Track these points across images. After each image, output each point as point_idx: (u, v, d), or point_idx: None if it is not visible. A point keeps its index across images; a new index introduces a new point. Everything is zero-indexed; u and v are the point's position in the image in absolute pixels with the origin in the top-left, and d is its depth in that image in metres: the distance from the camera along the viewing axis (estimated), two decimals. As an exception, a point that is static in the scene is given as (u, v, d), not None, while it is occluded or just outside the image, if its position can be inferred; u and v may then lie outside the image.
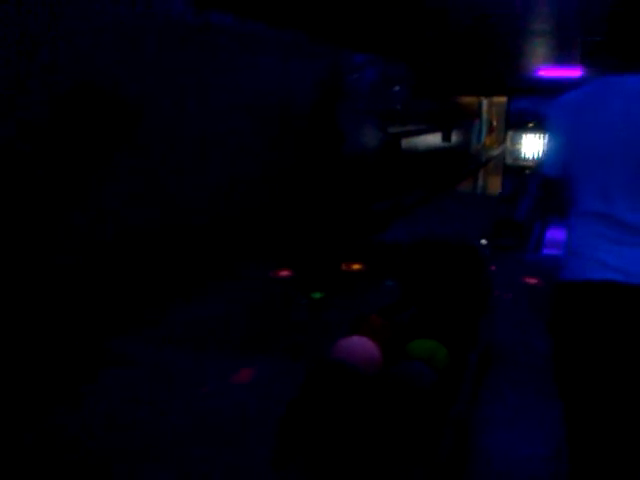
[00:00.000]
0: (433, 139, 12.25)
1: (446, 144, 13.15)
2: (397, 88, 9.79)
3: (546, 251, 6.28)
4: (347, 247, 5.79)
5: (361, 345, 2.30)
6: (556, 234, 7.56)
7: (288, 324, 3.88)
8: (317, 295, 4.35)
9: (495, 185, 15.41)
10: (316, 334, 3.61)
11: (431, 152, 12.07)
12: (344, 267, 5.29)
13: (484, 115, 18.22)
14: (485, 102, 17.89)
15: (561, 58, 12.80)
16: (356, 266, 5.36)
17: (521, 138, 18.58)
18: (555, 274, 1.89)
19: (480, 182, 14.93)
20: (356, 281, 4.93)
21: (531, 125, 18.04)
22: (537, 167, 1.94)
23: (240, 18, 5.49)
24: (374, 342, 2.32)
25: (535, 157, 17.26)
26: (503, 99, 18.04)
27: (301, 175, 6.51)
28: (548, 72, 14.91)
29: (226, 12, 5.22)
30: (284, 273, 5.12)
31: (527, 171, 15.27)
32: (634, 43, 1.86)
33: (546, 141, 1.99)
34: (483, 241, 3.51)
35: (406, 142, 10.40)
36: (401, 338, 2.58)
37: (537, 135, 18.31)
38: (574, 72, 13.74)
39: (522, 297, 4.80)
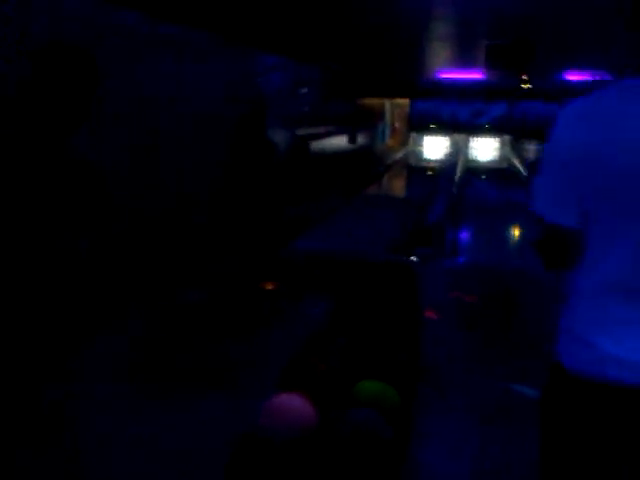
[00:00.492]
0: (340, 142, 12.09)
1: (352, 146, 13.03)
2: (305, 90, 9.55)
3: (462, 258, 6.17)
4: (260, 262, 5.42)
5: (292, 407, 1.97)
6: (466, 236, 7.55)
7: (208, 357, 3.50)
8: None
9: (399, 187, 15.48)
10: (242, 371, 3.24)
11: (338, 155, 11.91)
12: (259, 286, 4.89)
13: (387, 117, 18.30)
14: (388, 104, 17.97)
15: (462, 61, 12.99)
16: (269, 285, 4.97)
17: (423, 140, 18.83)
18: (552, 353, 1.44)
19: (385, 184, 14.93)
20: (274, 303, 4.54)
21: (433, 126, 18.29)
22: (533, 206, 1.37)
23: (151, 18, 5.04)
24: (305, 399, 2.01)
25: (437, 158, 17.53)
26: (405, 101, 18.19)
27: (229, 186, 6.14)
28: (449, 74, 15.12)
29: (134, 11, 4.76)
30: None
31: (430, 172, 15.43)
32: None
33: (544, 165, 1.39)
34: (413, 258, 3.28)
35: (314, 145, 10.17)
36: (337, 379, 2.28)
37: (439, 136, 18.61)
38: (474, 74, 13.99)
39: (447, 312, 4.62)
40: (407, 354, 2.55)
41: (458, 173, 13.07)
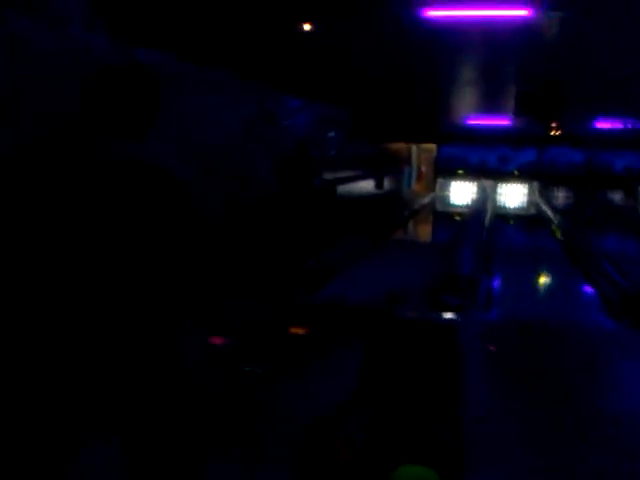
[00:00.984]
0: (366, 186, 11.98)
1: (379, 191, 12.92)
2: (332, 134, 9.48)
3: (495, 311, 5.84)
4: (289, 307, 5.24)
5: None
6: (498, 284, 7.31)
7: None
8: (258, 369, 3.75)
9: (425, 233, 15.28)
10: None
11: (365, 199, 11.79)
12: (288, 332, 4.68)
13: (414, 162, 18.23)
14: (415, 148, 17.91)
15: (490, 106, 12.93)
16: (300, 330, 4.76)
17: (450, 185, 18.67)
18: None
19: (411, 230, 14.75)
20: (303, 350, 4.32)
21: (460, 172, 18.15)
22: None
23: (172, 56, 4.99)
24: None
25: (465, 203, 17.34)
26: (432, 146, 18.13)
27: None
28: (476, 120, 15.06)
29: (154, 49, 4.71)
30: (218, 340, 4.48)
31: (457, 218, 15.23)
32: None
33: None
34: (453, 315, 3.05)
35: (340, 189, 10.06)
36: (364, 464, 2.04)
37: (466, 182, 18.45)
38: (502, 121, 13.89)
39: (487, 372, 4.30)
40: (448, 429, 2.31)
41: (487, 219, 12.86)
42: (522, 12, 5.90)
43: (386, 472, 1.97)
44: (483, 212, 13.87)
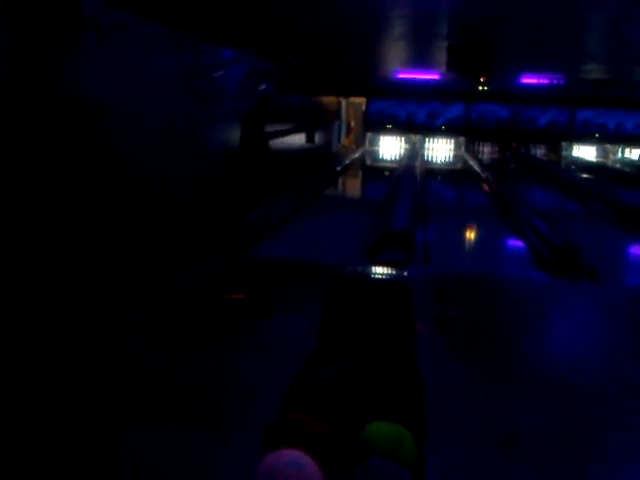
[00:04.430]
0: (298, 140, 11.83)
1: (310, 145, 12.79)
2: (264, 86, 9.24)
3: (434, 265, 5.86)
4: (225, 270, 5.07)
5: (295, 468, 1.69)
6: (432, 239, 7.38)
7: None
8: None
9: (355, 188, 15.30)
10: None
11: (296, 154, 11.64)
12: (225, 297, 4.48)
13: (343, 116, 18.12)
14: (344, 103, 17.78)
15: (421, 60, 12.89)
16: (238, 296, 4.54)
17: (379, 140, 18.71)
18: None
19: (341, 185, 14.74)
20: (244, 317, 4.14)
21: (389, 127, 18.18)
22: None
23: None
24: (307, 457, 1.73)
25: (394, 158, 17.44)
26: (361, 100, 18.03)
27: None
28: (407, 74, 15.02)
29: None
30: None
31: (387, 172, 15.30)
32: None
33: None
34: (405, 272, 3.02)
35: (272, 143, 9.87)
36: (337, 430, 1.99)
37: (395, 137, 18.52)
38: (433, 75, 13.91)
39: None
40: (410, 384, 2.29)
41: (418, 174, 12.96)
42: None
43: (355, 430, 1.94)
44: (414, 168, 13.97)
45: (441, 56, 10.34)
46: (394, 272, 2.95)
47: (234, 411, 2.40)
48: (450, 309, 4.07)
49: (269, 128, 9.66)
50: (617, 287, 5.43)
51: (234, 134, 8.17)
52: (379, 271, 2.92)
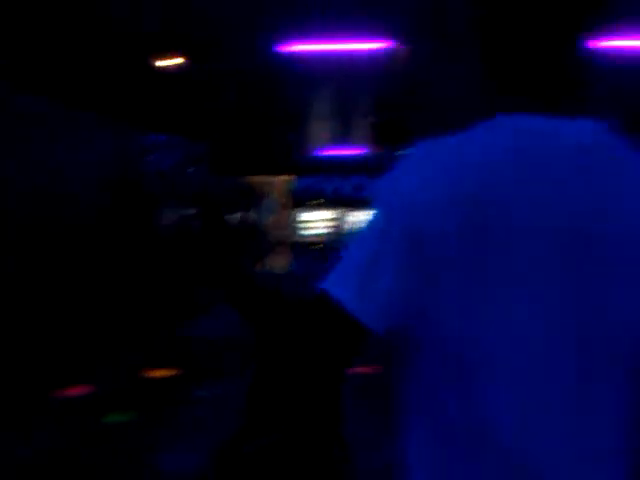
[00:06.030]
0: (232, 219, 11.94)
1: (244, 224, 12.92)
2: (192, 169, 9.36)
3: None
4: (152, 347, 4.98)
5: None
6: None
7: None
8: (117, 417, 3.49)
9: (283, 264, 15.41)
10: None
11: (230, 232, 11.72)
12: (149, 374, 4.38)
13: (272, 194, 18.41)
14: (273, 180, 18.11)
15: (344, 137, 13.37)
16: (164, 372, 4.46)
17: (307, 216, 19.02)
18: None
19: (268, 262, 14.84)
20: (171, 394, 4.05)
21: (315, 203, 18.53)
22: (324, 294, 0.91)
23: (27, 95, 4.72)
24: None
25: (321, 234, 17.73)
26: (288, 178, 18.44)
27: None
28: (331, 151, 15.51)
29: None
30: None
31: (317, 247, 15.52)
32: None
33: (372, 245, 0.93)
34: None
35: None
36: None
37: (322, 213, 18.87)
38: (357, 150, 14.42)
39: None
40: (339, 449, 2.29)
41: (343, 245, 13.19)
42: (376, 45, 6.16)
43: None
44: (339, 240, 14.26)
45: (365, 131, 10.79)
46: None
47: None
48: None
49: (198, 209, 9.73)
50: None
51: (167, 217, 8.19)
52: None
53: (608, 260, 0.83)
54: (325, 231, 17.91)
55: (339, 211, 18.71)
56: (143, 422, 3.40)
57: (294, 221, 19.27)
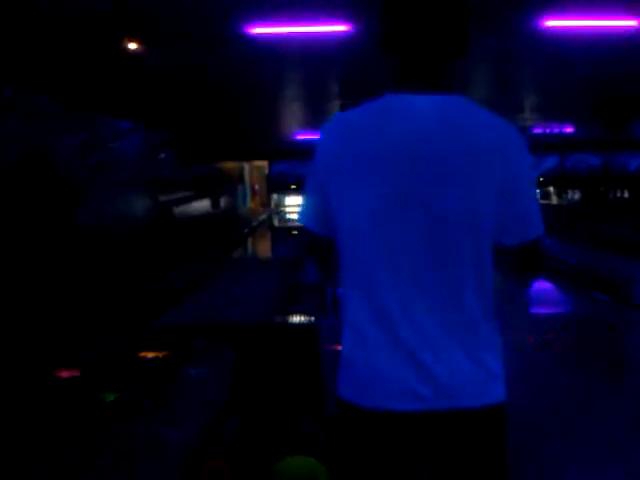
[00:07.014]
0: (202, 206, 11.87)
1: (215, 210, 12.85)
2: (163, 155, 9.28)
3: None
4: (136, 333, 5.00)
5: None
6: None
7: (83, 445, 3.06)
8: (111, 396, 3.54)
9: (264, 249, 15.40)
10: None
11: (202, 219, 11.67)
12: (139, 356, 4.47)
13: (247, 179, 18.36)
14: (247, 167, 18.05)
15: (317, 120, 13.31)
16: (152, 354, 4.57)
17: (285, 200, 19.00)
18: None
19: (250, 247, 14.84)
20: (158, 373, 4.15)
21: (293, 187, 18.53)
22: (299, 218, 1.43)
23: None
24: None
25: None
26: (264, 163, 18.36)
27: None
28: (305, 135, 15.45)
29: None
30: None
31: (295, 232, 15.53)
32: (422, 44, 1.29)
33: (309, 179, 1.41)
34: (312, 318, 3.11)
35: (177, 210, 9.87)
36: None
37: (300, 196, 18.88)
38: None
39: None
40: (316, 424, 2.33)
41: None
42: (342, 27, 6.14)
43: (264, 469, 1.96)
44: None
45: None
46: (301, 319, 3.03)
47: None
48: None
49: (173, 196, 9.67)
50: None
51: (135, 203, 8.12)
52: (286, 319, 2.99)
53: (448, 163, 1.24)
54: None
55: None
56: (139, 399, 3.50)
57: (273, 206, 19.25)
